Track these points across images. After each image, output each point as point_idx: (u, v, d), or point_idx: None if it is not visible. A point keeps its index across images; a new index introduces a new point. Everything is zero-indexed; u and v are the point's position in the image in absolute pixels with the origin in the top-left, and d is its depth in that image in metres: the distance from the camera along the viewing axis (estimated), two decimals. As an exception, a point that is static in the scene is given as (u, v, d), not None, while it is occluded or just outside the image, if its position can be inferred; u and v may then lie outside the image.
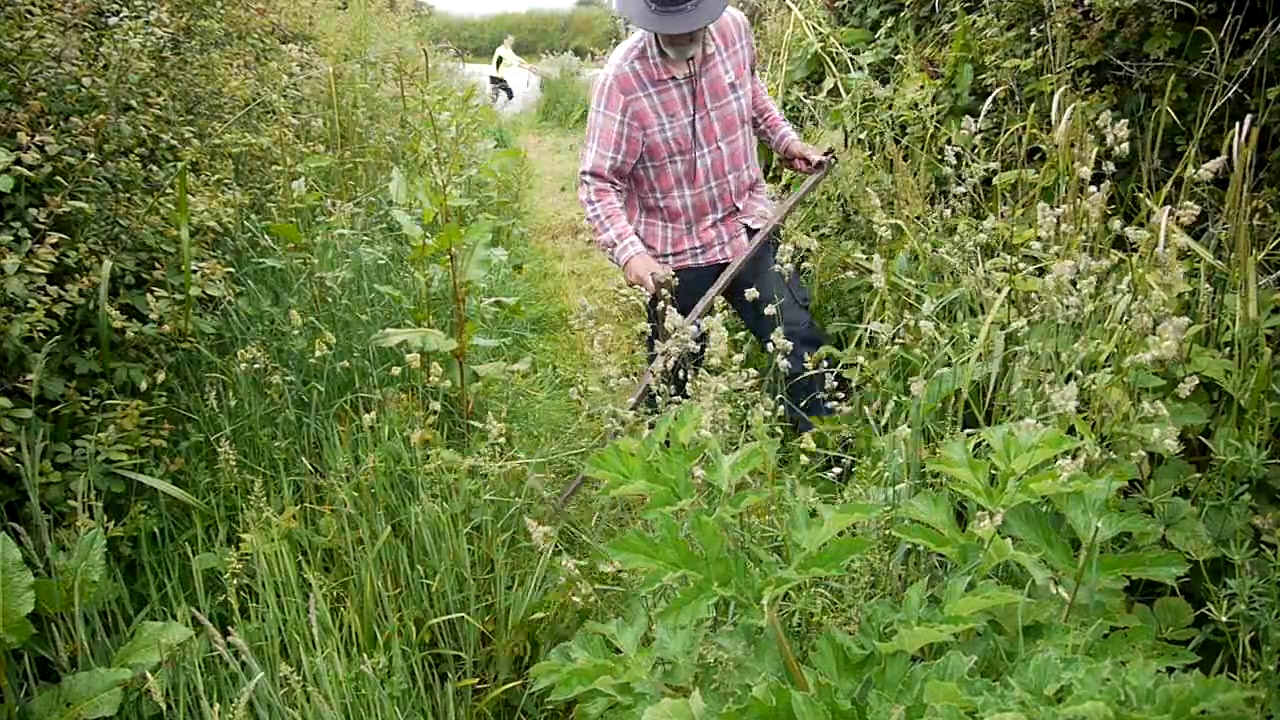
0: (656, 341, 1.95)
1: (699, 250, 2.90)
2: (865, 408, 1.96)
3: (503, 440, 2.26)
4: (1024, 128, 2.65)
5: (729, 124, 2.78)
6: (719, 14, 2.57)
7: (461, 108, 4.54)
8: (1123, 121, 1.75)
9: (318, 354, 2.59)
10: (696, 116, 2.72)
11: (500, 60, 15.91)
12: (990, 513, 1.27)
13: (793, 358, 1.99)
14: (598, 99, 2.72)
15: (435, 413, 2.44)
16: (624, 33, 14.03)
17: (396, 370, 2.62)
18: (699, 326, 2.18)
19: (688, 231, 2.87)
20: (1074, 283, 1.63)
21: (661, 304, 1.90)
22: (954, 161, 2.11)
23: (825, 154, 2.91)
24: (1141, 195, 2.34)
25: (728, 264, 2.84)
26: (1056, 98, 2.55)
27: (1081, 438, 1.51)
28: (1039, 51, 3.03)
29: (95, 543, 1.91)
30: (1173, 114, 2.47)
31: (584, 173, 2.78)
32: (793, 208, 2.98)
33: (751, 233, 2.89)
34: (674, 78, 2.68)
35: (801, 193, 2.95)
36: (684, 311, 1.99)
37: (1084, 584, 1.29)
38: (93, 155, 2.53)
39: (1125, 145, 1.73)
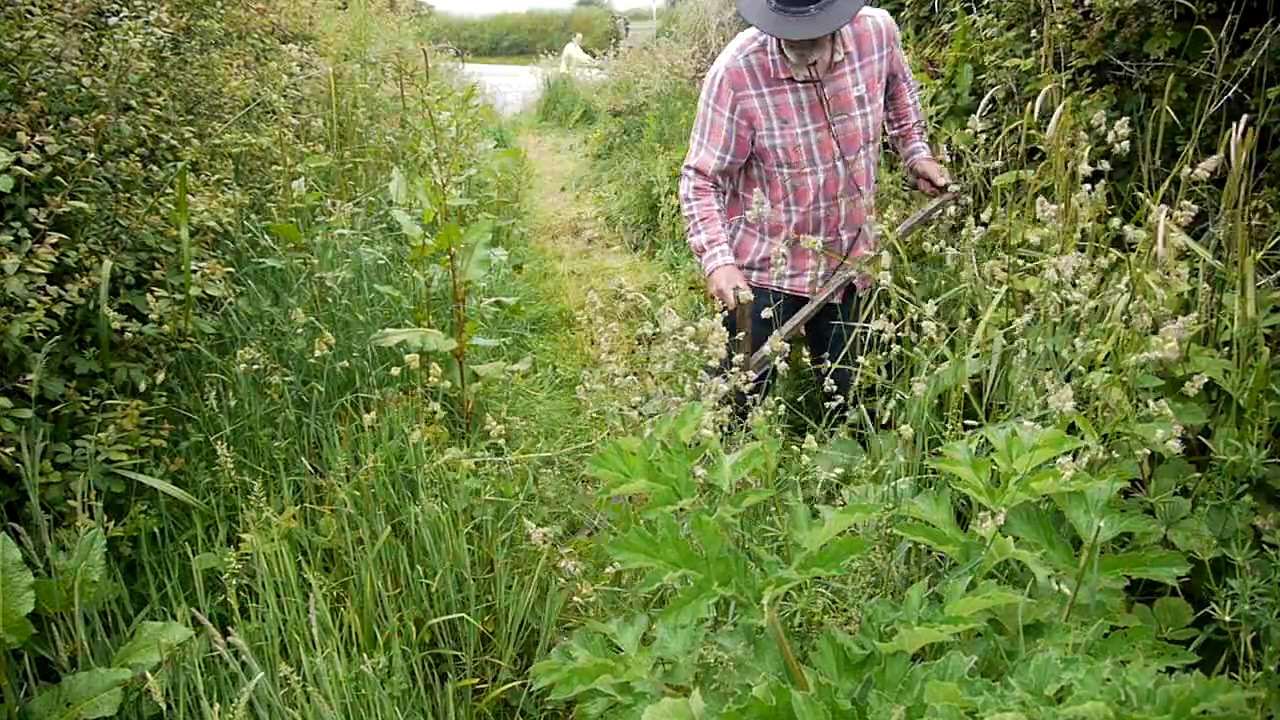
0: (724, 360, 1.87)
1: (790, 275, 2.68)
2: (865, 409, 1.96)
3: (502, 440, 2.26)
4: (1022, 127, 2.65)
5: (851, 141, 2.54)
6: (847, 20, 2.31)
7: (461, 108, 4.54)
8: (1123, 120, 1.75)
9: (317, 354, 2.59)
10: (814, 128, 2.50)
11: (570, 59, 15.80)
12: (992, 512, 1.27)
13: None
14: (708, 91, 2.52)
15: (435, 413, 2.44)
16: (624, 32, 14.00)
17: (396, 370, 2.62)
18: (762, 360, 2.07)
19: (785, 251, 2.65)
20: (1073, 281, 1.63)
21: (728, 321, 1.73)
22: (959, 160, 2.10)
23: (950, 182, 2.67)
24: (1142, 195, 2.34)
25: (805, 298, 2.62)
26: (1042, 95, 2.54)
27: (1083, 437, 1.51)
28: (1039, 51, 3.03)
29: (95, 543, 1.91)
30: (1173, 114, 2.47)
31: (687, 167, 2.59)
32: (921, 222, 2.64)
33: (851, 286, 2.64)
34: (793, 79, 2.46)
35: (911, 222, 2.64)
36: (754, 338, 1.84)
37: (1085, 584, 1.29)
38: (93, 155, 2.53)
39: (1125, 144, 1.73)
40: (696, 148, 2.57)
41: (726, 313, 2.38)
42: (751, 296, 2.17)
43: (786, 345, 1.80)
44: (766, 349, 1.97)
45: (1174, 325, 1.46)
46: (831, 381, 1.95)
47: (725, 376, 1.82)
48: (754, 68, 2.47)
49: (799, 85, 2.47)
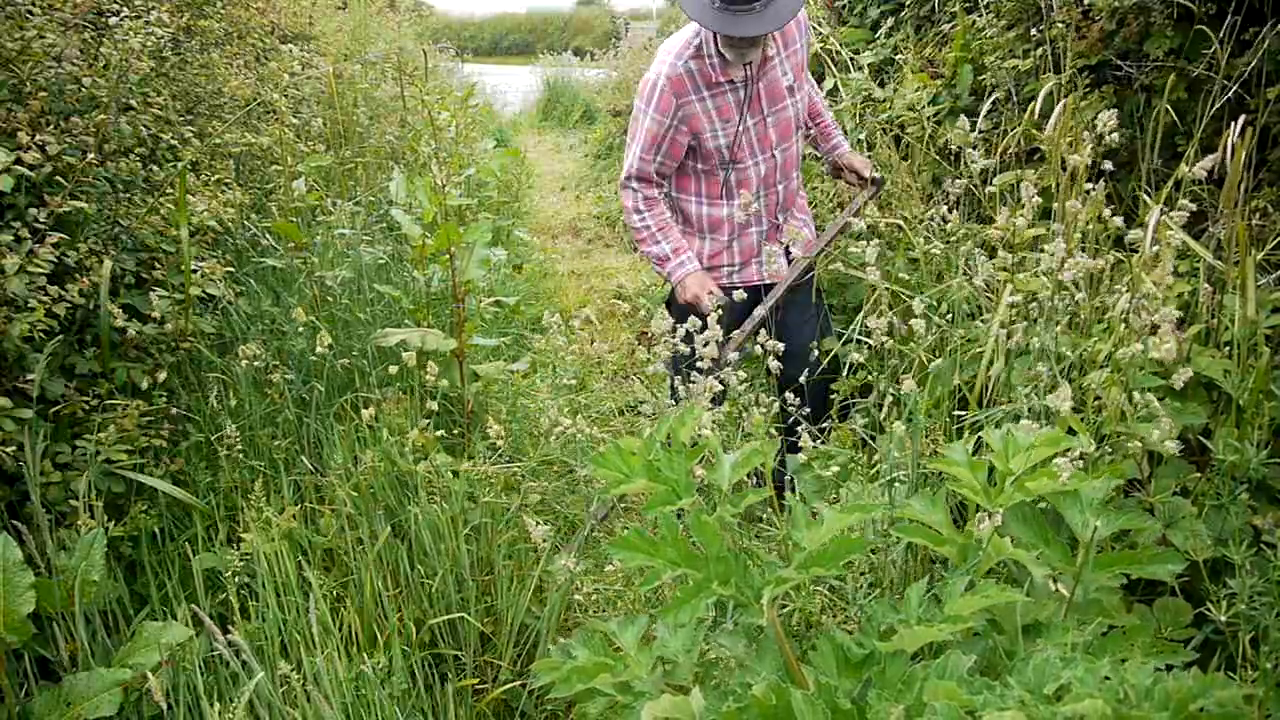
0: (682, 367, 1.86)
1: (735, 268, 2.72)
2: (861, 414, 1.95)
3: (501, 443, 2.26)
4: (1022, 127, 2.65)
5: (784, 131, 2.60)
6: (791, 17, 2.34)
7: (461, 107, 4.54)
8: (1111, 113, 1.75)
9: (318, 350, 2.58)
10: (752, 123, 2.54)
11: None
12: (989, 513, 1.27)
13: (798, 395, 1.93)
14: (646, 98, 2.51)
15: (434, 412, 2.44)
16: (624, 32, 14.00)
17: (394, 369, 2.62)
18: (740, 352, 2.07)
19: (728, 245, 2.68)
20: (1074, 281, 1.63)
21: (699, 325, 1.76)
22: (957, 160, 2.10)
23: (876, 172, 2.75)
24: (1143, 195, 2.34)
25: (761, 285, 2.67)
26: (1043, 92, 2.55)
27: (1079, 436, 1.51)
28: (1039, 51, 3.03)
29: (96, 542, 1.91)
30: (1174, 114, 2.47)
31: (628, 178, 2.60)
32: (838, 233, 2.74)
33: (790, 258, 2.67)
34: (731, 81, 2.48)
35: (848, 215, 2.73)
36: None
37: (1081, 582, 1.29)
38: (93, 155, 2.53)
39: (1114, 136, 1.73)
40: (634, 158, 2.56)
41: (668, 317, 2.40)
42: (725, 299, 2.17)
43: (782, 347, 1.80)
44: (732, 353, 1.98)
45: (1169, 323, 1.46)
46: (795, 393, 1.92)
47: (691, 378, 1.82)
48: (694, 73, 2.46)
49: (738, 85, 2.49)
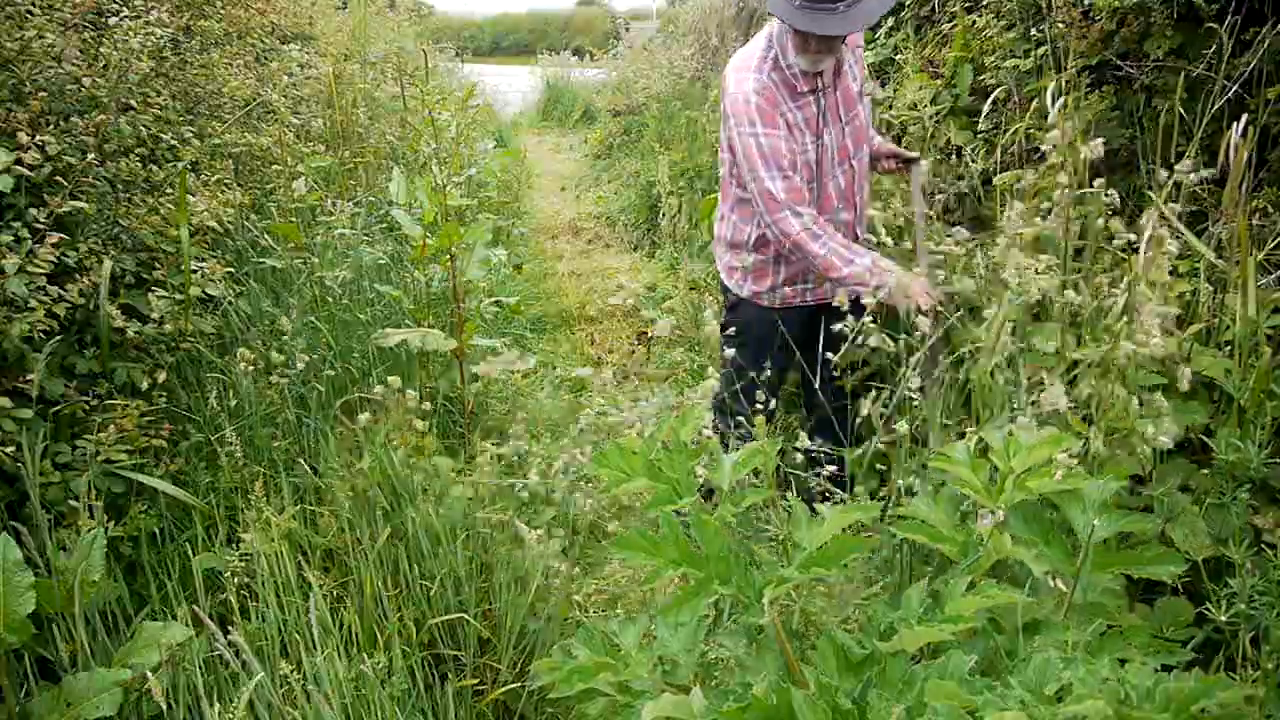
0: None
1: (809, 286, 2.57)
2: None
3: (513, 443, 2.25)
4: (1024, 127, 2.65)
5: (859, 138, 2.49)
6: (876, 18, 2.25)
7: (461, 108, 4.55)
8: (1097, 142, 1.75)
9: (321, 350, 2.58)
10: (834, 132, 2.44)
11: None
12: (991, 511, 1.27)
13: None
14: (750, 122, 2.33)
15: (432, 412, 2.44)
16: (625, 32, 13.98)
17: (394, 379, 2.60)
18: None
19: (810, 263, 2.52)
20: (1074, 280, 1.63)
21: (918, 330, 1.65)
22: (958, 158, 2.09)
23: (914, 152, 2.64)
24: (1150, 194, 2.34)
25: (831, 301, 2.42)
26: (1049, 90, 2.55)
27: (1083, 435, 1.51)
28: (1039, 51, 3.03)
29: (95, 543, 1.91)
30: (1182, 112, 2.47)
31: (782, 206, 2.34)
32: (923, 246, 2.48)
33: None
34: (813, 90, 2.38)
35: (920, 208, 2.52)
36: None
37: (1082, 582, 1.29)
38: (93, 155, 2.53)
39: (1099, 147, 1.73)
40: (773, 181, 2.34)
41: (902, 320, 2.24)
42: (940, 295, 2.07)
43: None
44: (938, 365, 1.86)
45: (1152, 310, 1.45)
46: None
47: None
48: (779, 85, 2.36)
49: (819, 93, 2.41)
